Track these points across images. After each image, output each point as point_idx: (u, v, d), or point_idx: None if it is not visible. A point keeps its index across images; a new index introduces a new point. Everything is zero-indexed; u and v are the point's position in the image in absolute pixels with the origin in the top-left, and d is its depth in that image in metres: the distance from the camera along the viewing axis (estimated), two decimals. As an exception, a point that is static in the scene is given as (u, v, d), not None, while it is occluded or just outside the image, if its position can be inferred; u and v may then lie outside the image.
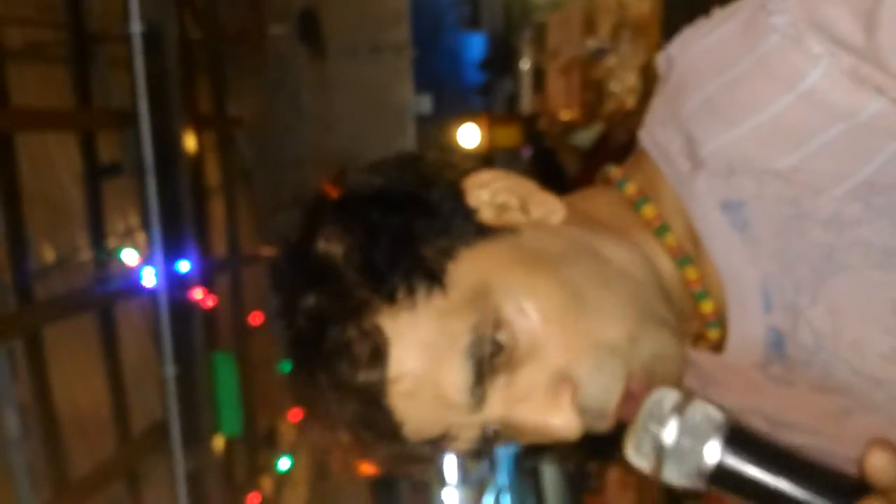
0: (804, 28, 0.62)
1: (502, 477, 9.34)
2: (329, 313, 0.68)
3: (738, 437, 0.58)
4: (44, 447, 4.63)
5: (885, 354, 0.68)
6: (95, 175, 4.47)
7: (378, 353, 0.67)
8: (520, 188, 0.74)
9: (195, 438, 5.00)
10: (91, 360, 4.87)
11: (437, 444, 0.71)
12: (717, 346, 0.77)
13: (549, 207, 0.74)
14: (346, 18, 8.48)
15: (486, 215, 0.72)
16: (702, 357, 0.78)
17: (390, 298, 0.67)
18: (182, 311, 4.62)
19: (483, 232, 0.71)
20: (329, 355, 0.68)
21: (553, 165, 6.69)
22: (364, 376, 0.68)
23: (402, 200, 0.70)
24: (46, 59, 5.11)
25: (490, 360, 0.68)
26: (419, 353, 0.68)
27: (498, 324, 0.68)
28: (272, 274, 0.73)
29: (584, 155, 6.09)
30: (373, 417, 0.69)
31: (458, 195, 0.72)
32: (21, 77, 4.42)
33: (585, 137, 6.55)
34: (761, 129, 0.65)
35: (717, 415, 0.59)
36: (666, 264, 0.76)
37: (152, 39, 4.12)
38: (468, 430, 0.70)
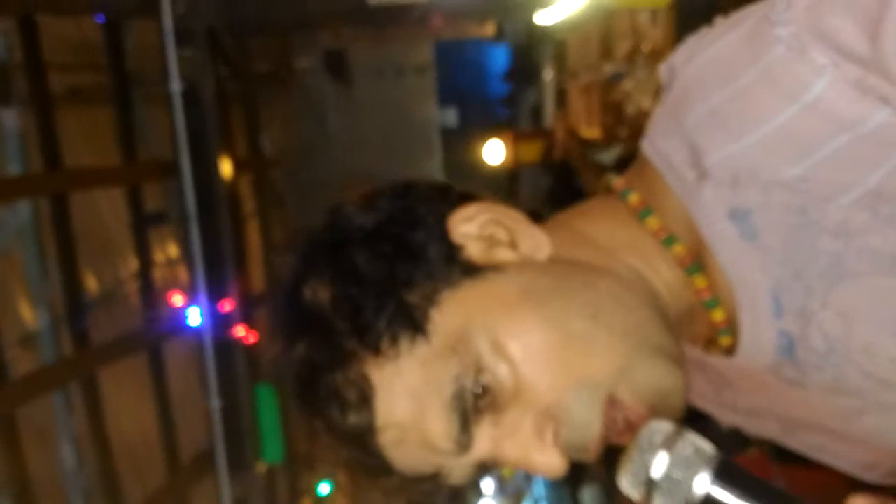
0: (808, 39, 0.61)
1: (539, 488, 9.38)
2: (318, 362, 0.69)
3: (728, 472, 0.58)
4: (98, 477, 4.88)
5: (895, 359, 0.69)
6: (142, 223, 4.72)
7: (365, 399, 0.68)
8: (507, 220, 0.73)
9: (240, 466, 5.21)
10: (141, 395, 5.11)
11: (432, 480, 0.72)
12: (729, 352, 0.76)
13: (536, 241, 0.73)
14: (370, 49, 8.68)
15: (473, 251, 0.71)
16: (714, 362, 0.78)
17: (375, 349, 0.67)
18: (225, 346, 4.86)
19: (468, 271, 0.70)
20: (321, 401, 0.69)
21: (573, 184, 6.79)
22: (353, 420, 0.69)
23: (388, 245, 0.70)
24: (88, 102, 5.36)
25: (475, 404, 0.68)
26: (404, 403, 0.68)
27: (480, 369, 0.67)
28: (272, 317, 0.79)
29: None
30: (365, 458, 0.70)
31: (444, 234, 0.71)
32: (65, 122, 4.67)
33: (608, 157, 6.68)
34: (766, 140, 0.65)
35: (707, 448, 0.59)
36: (670, 277, 0.75)
37: (191, 94, 4.36)
38: (460, 469, 0.71)
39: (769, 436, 0.86)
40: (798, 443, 0.84)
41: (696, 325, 0.77)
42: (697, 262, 0.74)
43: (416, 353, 0.68)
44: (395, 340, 0.67)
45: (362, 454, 0.70)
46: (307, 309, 0.70)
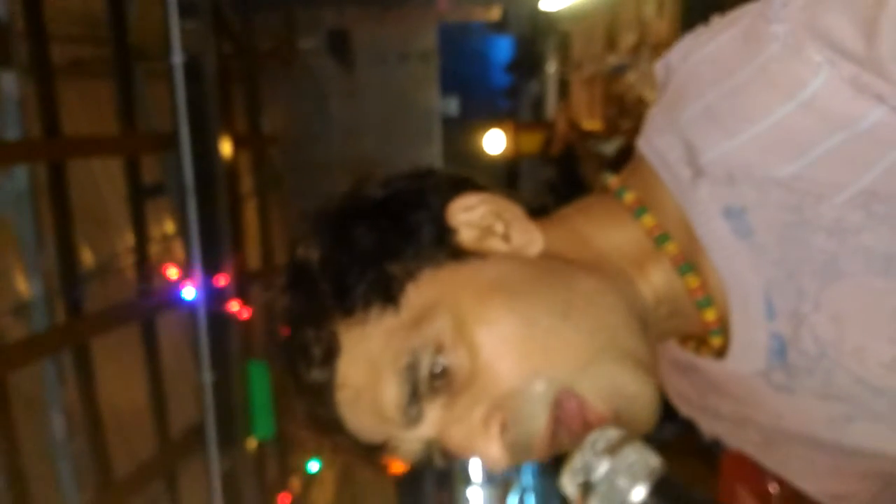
0: (804, 36, 0.61)
1: (527, 477, 9.39)
2: (297, 315, 0.73)
3: (666, 486, 0.59)
4: (88, 449, 4.87)
5: (887, 363, 0.68)
6: (140, 195, 4.71)
7: (329, 356, 0.71)
8: (506, 213, 0.75)
9: (230, 441, 5.23)
10: (133, 368, 5.11)
11: (381, 450, 0.74)
12: (720, 353, 0.76)
13: (529, 237, 0.74)
14: (374, 31, 8.66)
15: (466, 237, 0.73)
16: (704, 364, 0.78)
17: (348, 311, 0.70)
18: (219, 321, 4.87)
19: (454, 255, 0.72)
20: (293, 353, 0.73)
21: (575, 174, 6.79)
22: (315, 375, 0.71)
23: (387, 220, 0.72)
24: (90, 74, 5.34)
25: (430, 381, 0.69)
26: (363, 367, 0.70)
27: (440, 347, 0.69)
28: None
29: (607, 165, 6.17)
30: (320, 414, 0.73)
31: (441, 217, 0.73)
32: (66, 93, 4.65)
33: (609, 148, 6.68)
34: (762, 138, 0.65)
35: (651, 460, 0.59)
36: (661, 279, 0.75)
37: (193, 68, 4.35)
38: (407, 444, 0.72)
39: (749, 449, 0.86)
40: (778, 458, 0.84)
41: (688, 325, 0.77)
42: (690, 261, 0.74)
43: (384, 323, 0.70)
44: (367, 306, 0.70)
45: (319, 409, 0.73)
46: (297, 265, 0.74)
